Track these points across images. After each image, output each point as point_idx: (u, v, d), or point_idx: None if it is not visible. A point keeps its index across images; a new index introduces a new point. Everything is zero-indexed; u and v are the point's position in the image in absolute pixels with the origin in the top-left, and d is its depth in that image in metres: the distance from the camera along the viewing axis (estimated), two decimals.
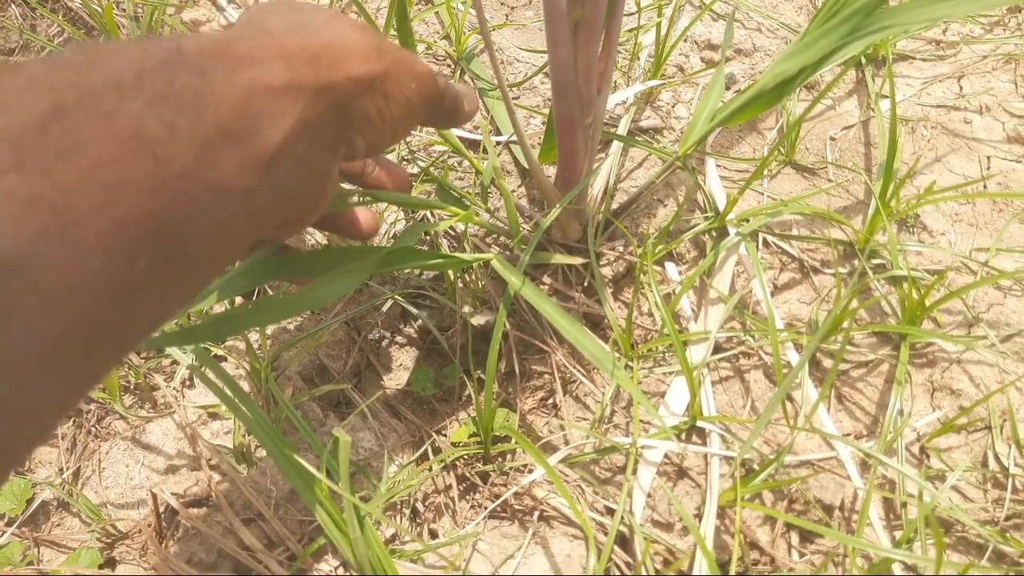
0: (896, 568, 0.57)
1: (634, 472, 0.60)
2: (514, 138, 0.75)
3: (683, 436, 0.63)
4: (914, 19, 0.56)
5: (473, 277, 0.68)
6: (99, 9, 0.82)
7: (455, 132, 0.78)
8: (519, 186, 0.75)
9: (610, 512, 0.59)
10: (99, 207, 0.26)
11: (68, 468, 0.61)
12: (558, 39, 0.55)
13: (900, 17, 0.55)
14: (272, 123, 0.34)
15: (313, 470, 0.52)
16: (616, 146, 0.74)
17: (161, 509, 0.58)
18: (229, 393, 0.53)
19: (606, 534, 0.57)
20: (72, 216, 0.25)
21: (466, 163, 0.76)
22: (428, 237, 0.71)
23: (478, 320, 0.66)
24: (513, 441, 0.61)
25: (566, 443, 0.62)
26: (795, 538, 0.59)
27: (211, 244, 0.32)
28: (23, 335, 0.24)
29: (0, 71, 0.27)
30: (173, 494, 0.59)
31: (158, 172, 0.28)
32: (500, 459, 0.62)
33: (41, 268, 0.24)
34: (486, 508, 0.60)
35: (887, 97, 0.81)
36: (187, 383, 0.66)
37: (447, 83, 0.50)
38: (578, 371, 0.65)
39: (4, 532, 0.58)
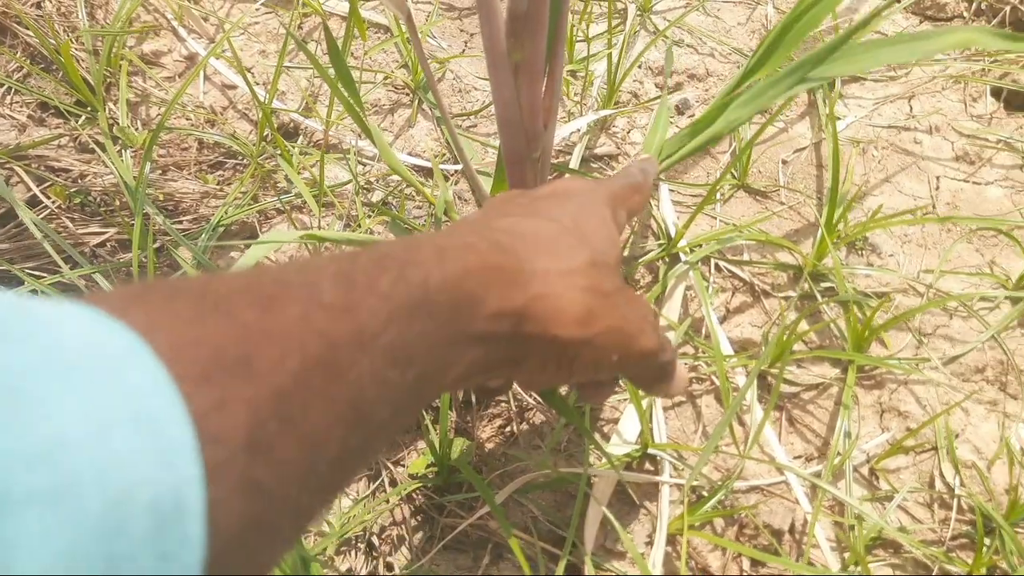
0: None
1: (585, 501, 0.61)
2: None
3: (635, 464, 0.64)
4: (861, 65, 0.57)
5: None
6: (55, 43, 0.82)
7: (406, 160, 0.79)
8: None
9: (562, 542, 0.60)
10: (299, 480, 0.24)
11: None
12: (500, 80, 0.56)
13: (846, 66, 0.56)
14: (454, 368, 0.34)
15: None
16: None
17: None
18: None
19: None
20: (277, 499, 0.23)
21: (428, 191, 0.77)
22: None
23: None
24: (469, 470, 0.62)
25: (523, 472, 0.63)
26: (746, 563, 0.60)
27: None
28: None
29: (263, 305, 0.24)
30: None
31: (356, 437, 0.27)
32: (457, 489, 0.63)
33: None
34: (442, 540, 0.61)
35: (839, 118, 0.83)
36: None
37: (670, 363, 0.47)
38: (534, 399, 0.66)
39: None
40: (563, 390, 0.65)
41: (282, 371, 0.23)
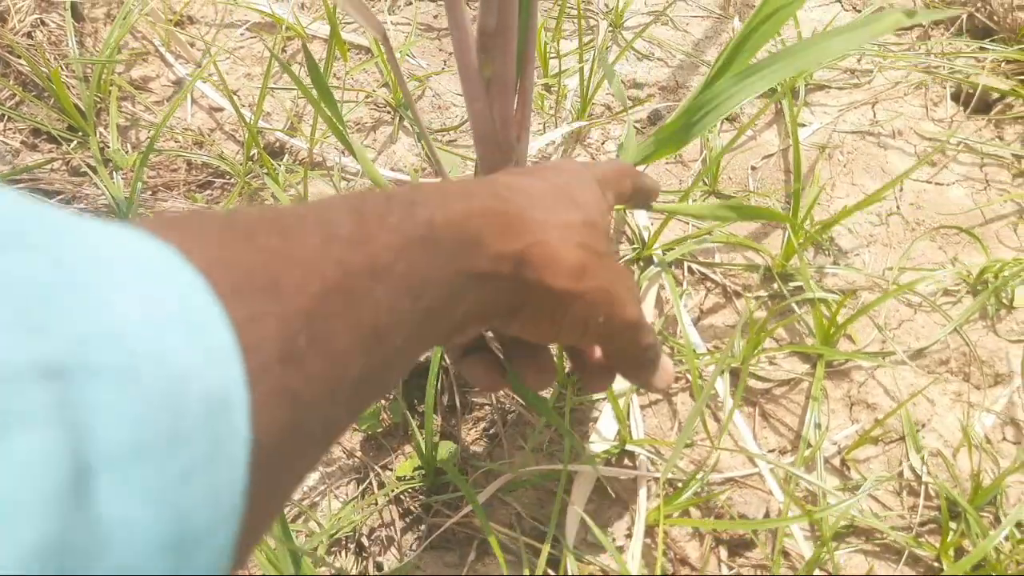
0: (818, 573, 0.61)
1: (566, 497, 0.63)
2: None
3: (613, 460, 0.66)
4: (807, 60, 0.60)
5: None
6: (47, 71, 0.85)
7: (388, 175, 0.82)
8: None
9: (544, 537, 0.62)
10: (328, 394, 0.26)
11: None
12: (473, 94, 0.59)
13: (795, 63, 0.59)
14: (461, 305, 0.36)
15: None
16: None
17: None
18: None
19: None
20: (308, 408, 0.25)
21: None
22: None
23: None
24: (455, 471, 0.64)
25: (507, 471, 0.66)
26: (723, 552, 0.63)
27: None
28: None
29: (277, 231, 0.26)
30: None
31: (374, 360, 0.29)
32: (443, 490, 0.65)
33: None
34: (429, 539, 0.63)
35: (805, 125, 0.86)
36: None
37: (654, 348, 0.50)
38: (516, 401, 0.69)
39: None
40: (546, 394, 0.67)
41: (306, 293, 0.25)
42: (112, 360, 0.18)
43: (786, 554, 0.62)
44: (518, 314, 0.42)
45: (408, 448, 0.68)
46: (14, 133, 0.86)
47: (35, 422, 0.16)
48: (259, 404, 0.22)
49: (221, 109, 0.90)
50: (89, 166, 0.83)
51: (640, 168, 0.70)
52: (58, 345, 0.17)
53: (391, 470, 0.67)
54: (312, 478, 0.65)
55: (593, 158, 0.83)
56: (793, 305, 0.73)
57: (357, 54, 0.93)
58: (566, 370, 0.69)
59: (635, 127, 0.79)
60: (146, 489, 0.18)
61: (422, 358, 0.69)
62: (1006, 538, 0.60)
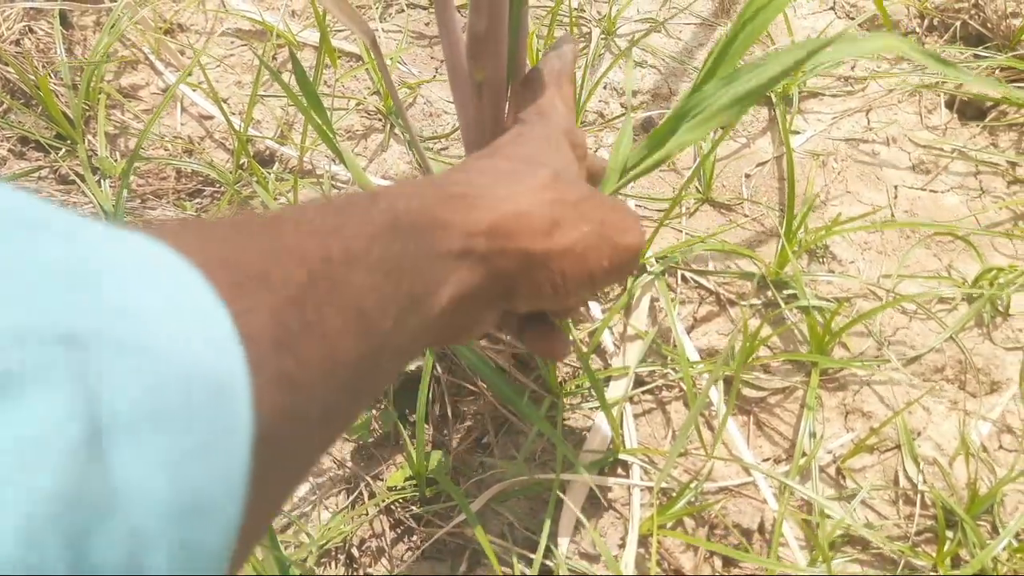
0: None
1: (558, 507, 0.62)
2: None
3: (606, 470, 0.65)
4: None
5: None
6: (34, 79, 0.84)
7: (379, 183, 0.81)
8: None
9: (536, 546, 0.61)
10: (323, 378, 0.27)
11: None
12: (464, 100, 0.58)
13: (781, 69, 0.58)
14: (444, 287, 0.37)
15: None
16: None
17: None
18: None
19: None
20: (305, 392, 0.26)
21: None
22: None
23: (409, 366, 0.68)
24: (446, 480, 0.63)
25: (499, 480, 0.65)
26: (718, 563, 0.62)
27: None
28: None
29: (261, 231, 0.28)
30: None
31: (365, 343, 0.30)
32: (435, 500, 0.64)
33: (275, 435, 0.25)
34: (420, 549, 0.62)
35: (799, 133, 0.85)
36: None
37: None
38: (508, 411, 0.68)
39: None
40: (537, 403, 0.67)
41: (293, 283, 0.27)
42: (130, 335, 0.19)
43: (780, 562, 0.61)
44: (518, 289, 0.42)
45: (399, 458, 0.68)
46: (1, 141, 0.85)
47: (56, 381, 0.17)
48: (260, 390, 0.23)
49: (211, 117, 0.89)
50: (77, 174, 0.82)
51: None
52: (80, 316, 0.18)
53: (382, 480, 0.66)
54: (302, 489, 0.64)
55: None
56: (787, 313, 0.72)
57: (347, 61, 0.93)
58: (557, 379, 0.68)
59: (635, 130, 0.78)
60: (162, 457, 0.19)
61: (412, 366, 0.68)
62: (1004, 548, 0.59)
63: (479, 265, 0.39)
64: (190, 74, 0.91)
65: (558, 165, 0.47)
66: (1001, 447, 0.67)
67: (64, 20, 0.93)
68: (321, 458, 0.32)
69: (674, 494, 0.62)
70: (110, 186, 0.82)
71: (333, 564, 0.62)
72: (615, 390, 0.68)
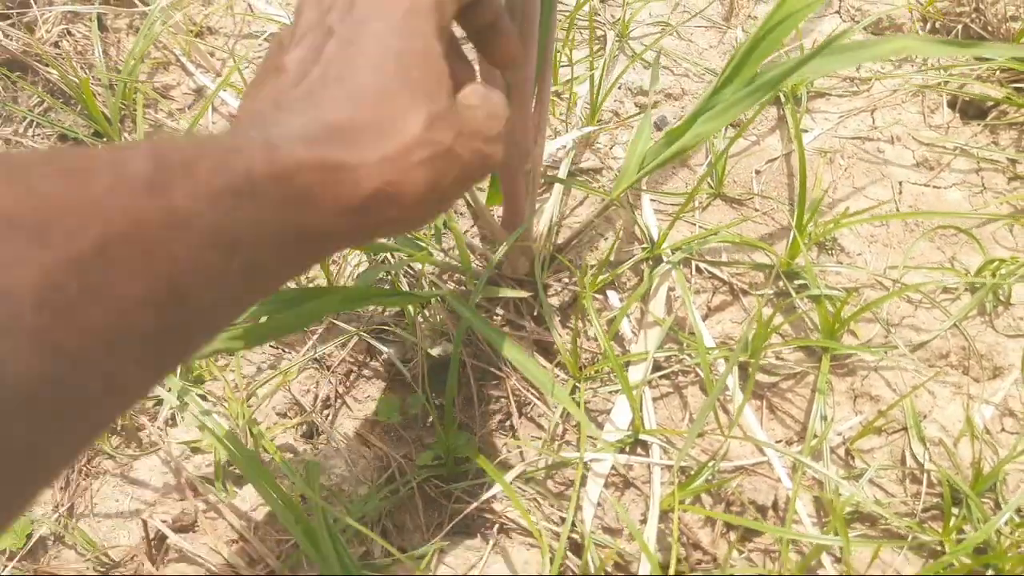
0: (825, 559, 0.63)
1: (583, 484, 0.65)
2: None
3: (627, 449, 0.68)
4: (810, 74, 0.63)
5: (431, 312, 0.74)
6: (76, 80, 0.88)
7: None
8: (472, 226, 0.82)
9: (563, 521, 0.64)
10: (106, 348, 0.25)
11: (63, 505, 0.66)
12: None
13: (798, 75, 0.62)
14: (295, 263, 0.34)
15: (288, 494, 0.57)
16: (557, 187, 0.81)
17: (152, 535, 0.64)
18: (212, 428, 0.58)
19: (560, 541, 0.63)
20: (79, 360, 0.24)
21: None
22: (389, 277, 0.77)
23: (436, 351, 0.72)
24: (473, 461, 0.67)
25: (523, 460, 0.68)
26: (734, 537, 0.65)
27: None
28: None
29: (65, 177, 0.25)
30: (162, 521, 0.64)
31: (174, 317, 0.27)
32: (463, 478, 0.68)
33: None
34: (450, 524, 0.65)
35: (807, 131, 0.89)
36: (170, 422, 0.71)
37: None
38: (531, 394, 0.71)
39: (6, 567, 0.63)
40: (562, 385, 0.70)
41: (81, 240, 0.23)
42: None
43: (794, 540, 0.64)
44: (391, 231, 0.38)
45: (427, 439, 0.71)
46: (42, 139, 0.88)
47: None
48: (8, 352, 0.21)
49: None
50: None
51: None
52: None
53: (411, 460, 0.69)
54: (339, 466, 0.68)
55: (602, 162, 0.86)
56: (798, 302, 0.75)
57: None
58: (578, 364, 0.72)
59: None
60: None
61: (438, 351, 0.72)
62: (1006, 522, 0.62)
63: (346, 239, 0.35)
64: (219, 75, 0.94)
65: (425, 88, 0.36)
66: (1003, 429, 0.70)
67: (99, 23, 0.97)
68: (114, 421, 0.28)
69: (692, 472, 0.66)
70: None
71: (369, 538, 0.65)
72: (635, 374, 0.71)
